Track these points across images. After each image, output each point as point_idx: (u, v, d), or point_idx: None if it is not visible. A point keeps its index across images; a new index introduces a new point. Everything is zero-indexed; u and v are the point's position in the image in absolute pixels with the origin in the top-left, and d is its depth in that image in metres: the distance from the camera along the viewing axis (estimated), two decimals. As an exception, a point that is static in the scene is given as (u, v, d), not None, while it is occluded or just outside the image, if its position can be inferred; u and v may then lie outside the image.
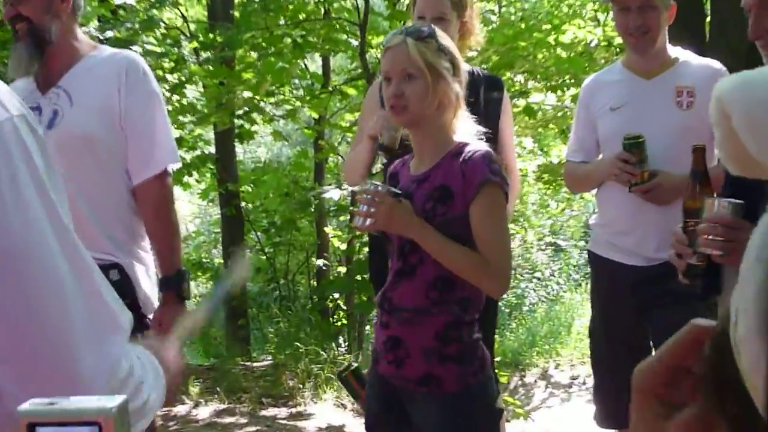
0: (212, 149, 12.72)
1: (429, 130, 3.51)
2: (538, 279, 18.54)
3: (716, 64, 4.68)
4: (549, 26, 10.37)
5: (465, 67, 4.32)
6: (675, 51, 4.72)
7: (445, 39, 3.53)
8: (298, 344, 9.67)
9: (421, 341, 3.44)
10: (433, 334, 3.42)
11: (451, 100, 3.48)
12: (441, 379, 3.42)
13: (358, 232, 11.03)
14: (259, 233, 13.46)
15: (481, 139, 3.56)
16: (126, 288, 3.92)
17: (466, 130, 3.55)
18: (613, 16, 4.75)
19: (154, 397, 1.73)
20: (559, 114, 11.32)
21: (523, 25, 10.31)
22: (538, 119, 11.31)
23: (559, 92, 10.63)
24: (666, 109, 4.54)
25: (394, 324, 3.50)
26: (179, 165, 4.51)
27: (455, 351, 3.43)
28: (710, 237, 2.99)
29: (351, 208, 11.29)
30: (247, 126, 10.29)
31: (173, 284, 4.09)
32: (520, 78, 10.51)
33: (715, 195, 3.22)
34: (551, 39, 10.28)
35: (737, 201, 2.96)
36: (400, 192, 3.47)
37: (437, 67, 3.43)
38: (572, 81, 10.18)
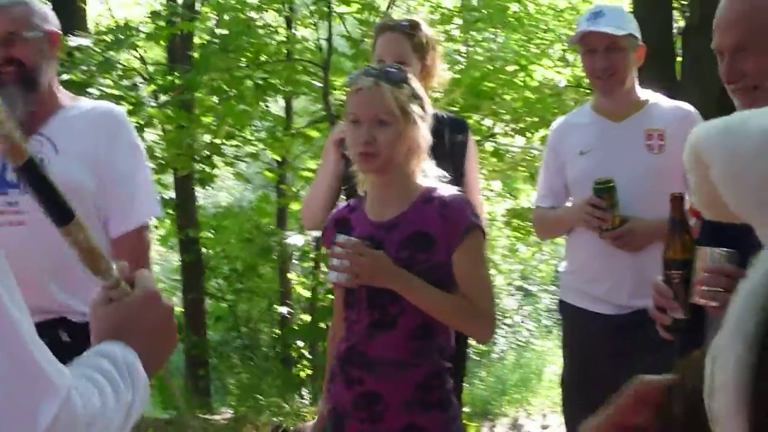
0: (172, 194, 12.53)
1: (395, 176, 3.43)
2: (508, 325, 18.42)
3: (687, 107, 4.62)
4: (516, 67, 10.24)
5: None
6: (645, 93, 4.66)
7: (416, 83, 3.48)
8: (260, 396, 9.45)
9: (402, 394, 3.35)
10: (414, 386, 3.35)
11: (420, 146, 3.41)
12: (425, 429, 3.36)
13: (322, 279, 10.87)
14: (220, 280, 13.25)
15: (445, 182, 3.50)
16: None
17: (429, 174, 3.49)
18: (580, 57, 4.70)
19: (134, 404, 1.68)
20: (528, 157, 11.18)
21: (490, 66, 10.17)
22: (506, 162, 11.18)
23: (527, 134, 10.49)
24: (636, 153, 4.47)
25: (368, 379, 3.38)
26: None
27: (438, 398, 3.37)
28: (709, 288, 2.85)
29: (315, 254, 11.10)
30: (207, 170, 10.10)
31: None
32: (487, 121, 10.36)
33: (695, 246, 3.07)
34: (519, 80, 10.16)
35: (732, 250, 2.85)
36: (370, 242, 3.37)
37: (410, 114, 3.37)
38: (541, 123, 10.06)
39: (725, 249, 2.85)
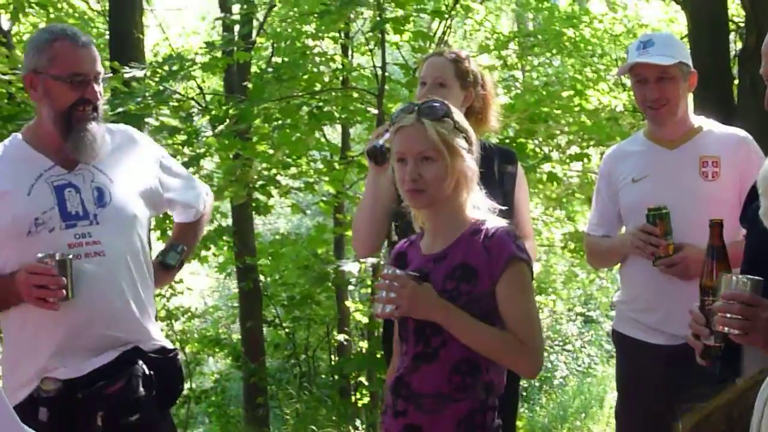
0: (230, 222, 12.57)
1: (445, 209, 3.44)
2: (569, 351, 18.25)
3: (742, 133, 4.56)
4: (572, 92, 10.17)
5: (481, 141, 4.26)
6: (698, 120, 4.63)
7: (458, 115, 3.47)
8: (314, 428, 9.42)
9: (442, 429, 3.32)
10: (456, 422, 3.31)
11: (468, 178, 3.41)
12: None
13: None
14: (278, 308, 13.25)
15: (496, 213, 3.49)
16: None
17: (480, 206, 3.48)
18: (632, 87, 4.65)
19: None
20: (586, 181, 11.09)
21: (545, 92, 10.12)
22: (562, 187, 11.09)
23: (584, 159, 10.41)
24: (690, 180, 4.42)
25: (412, 412, 3.36)
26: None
27: None
28: (728, 315, 2.83)
29: (372, 281, 11.07)
30: (263, 199, 10.11)
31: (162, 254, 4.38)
32: (544, 149, 10.29)
33: (732, 271, 3.06)
34: (575, 104, 10.10)
35: (755, 277, 2.83)
36: (418, 274, 3.37)
37: (455, 147, 3.36)
38: (597, 147, 9.99)
39: (748, 276, 2.83)
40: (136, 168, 4.06)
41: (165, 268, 4.29)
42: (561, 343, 18.39)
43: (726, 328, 2.83)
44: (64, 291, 3.61)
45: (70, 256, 3.64)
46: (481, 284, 3.31)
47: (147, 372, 3.86)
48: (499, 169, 4.60)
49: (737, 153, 4.38)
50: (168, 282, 4.46)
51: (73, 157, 3.87)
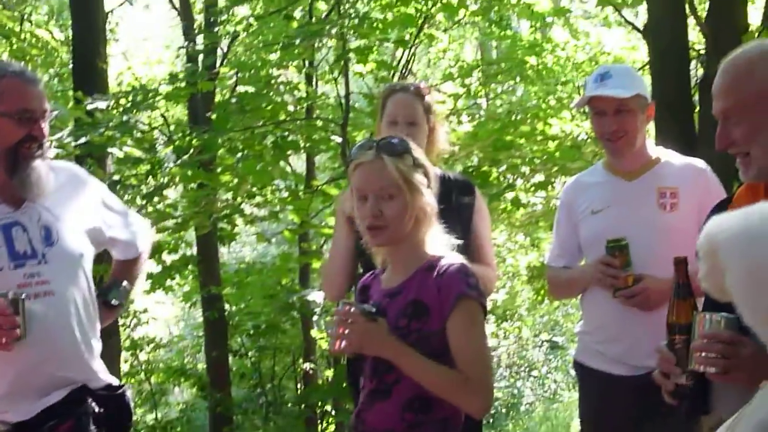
0: (194, 251, 12.53)
1: (404, 245, 3.44)
2: (535, 377, 18.28)
3: (699, 163, 4.58)
4: (534, 120, 10.23)
5: (436, 173, 4.28)
6: (656, 151, 4.66)
7: (417, 151, 3.47)
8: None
9: None
10: None
11: (427, 214, 3.42)
12: None
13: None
14: (243, 337, 13.20)
15: (455, 249, 3.49)
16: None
17: (439, 242, 3.48)
18: (590, 119, 4.68)
19: None
20: (549, 209, 11.13)
21: (508, 120, 10.17)
22: (527, 214, 11.13)
23: (549, 187, 10.45)
24: (649, 211, 4.44)
25: None
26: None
27: None
28: (706, 354, 2.81)
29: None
30: (227, 228, 10.10)
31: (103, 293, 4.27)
32: (508, 176, 10.34)
33: (698, 310, 3.04)
34: (538, 132, 10.15)
35: (732, 315, 2.77)
36: (374, 310, 3.35)
37: (415, 183, 3.37)
38: (561, 173, 10.02)
39: (725, 314, 2.81)
40: (80, 206, 4.04)
41: (108, 307, 4.26)
42: (527, 370, 18.42)
43: (704, 367, 2.82)
44: (17, 331, 3.58)
45: (23, 296, 3.60)
46: (432, 322, 3.30)
47: (97, 410, 3.84)
48: (457, 201, 4.61)
49: (695, 184, 4.42)
50: (111, 320, 4.36)
51: (19, 195, 3.84)
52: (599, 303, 4.50)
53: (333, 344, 3.35)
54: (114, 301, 4.27)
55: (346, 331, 3.29)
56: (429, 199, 3.42)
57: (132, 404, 4.10)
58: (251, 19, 10.85)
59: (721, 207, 3.26)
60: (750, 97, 2.93)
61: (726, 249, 0.90)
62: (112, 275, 4.41)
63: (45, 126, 3.86)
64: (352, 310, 3.32)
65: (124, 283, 4.34)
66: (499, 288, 15.51)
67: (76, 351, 3.81)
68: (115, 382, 4.02)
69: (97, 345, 4.01)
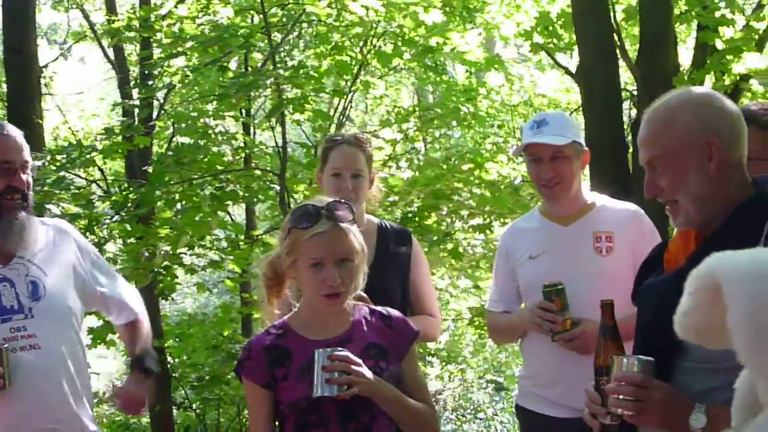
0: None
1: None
2: (481, 419, 18.23)
3: (632, 207, 4.67)
4: (472, 165, 10.29)
5: (374, 221, 4.34)
6: (591, 196, 4.74)
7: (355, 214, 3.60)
8: None
9: None
10: None
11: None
12: None
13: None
14: (187, 389, 13.08)
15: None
16: None
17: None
18: (526, 165, 4.74)
19: None
20: (489, 253, 11.19)
21: (444, 166, 10.24)
22: (467, 259, 11.16)
23: (487, 231, 10.50)
24: (585, 256, 4.51)
25: None
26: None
27: None
28: (620, 397, 2.89)
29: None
30: (168, 280, 10.03)
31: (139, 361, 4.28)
32: (447, 221, 10.38)
33: (624, 353, 3.15)
34: (475, 177, 10.21)
35: (646, 358, 2.91)
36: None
37: (364, 247, 3.50)
38: (499, 218, 10.08)
39: (639, 357, 2.91)
40: (69, 261, 4.09)
41: (147, 375, 4.23)
42: (473, 412, 18.37)
43: (619, 410, 2.89)
44: (1, 380, 3.63)
45: (5, 346, 3.68)
46: (391, 362, 3.49)
47: None
48: (394, 251, 4.70)
49: (630, 227, 4.48)
50: (150, 387, 4.33)
51: (6, 250, 3.90)
52: (538, 347, 4.55)
53: (335, 390, 3.31)
54: (153, 368, 4.26)
55: (350, 376, 3.32)
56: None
57: None
58: (187, 70, 10.83)
59: (657, 252, 3.32)
60: (672, 146, 3.00)
61: (732, 287, 0.92)
62: (130, 345, 4.40)
63: (27, 178, 3.91)
64: (345, 353, 3.35)
65: (148, 347, 4.35)
66: (442, 331, 15.54)
67: (63, 403, 3.87)
68: None
69: (88, 395, 4.07)
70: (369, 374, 3.36)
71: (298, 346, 3.49)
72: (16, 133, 3.95)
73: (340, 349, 3.37)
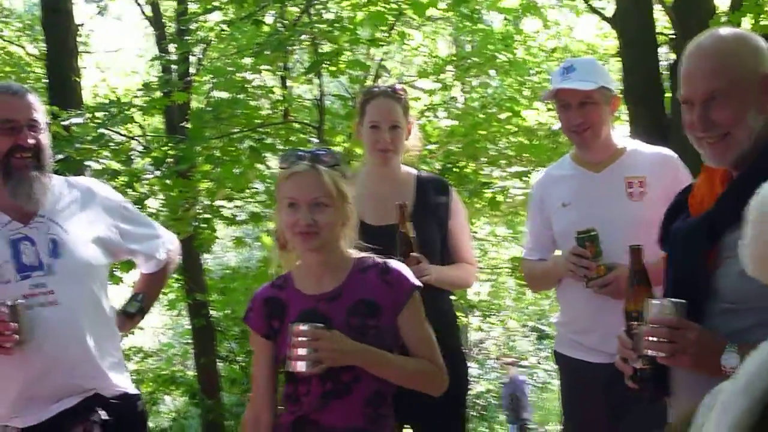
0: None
1: (332, 252, 3.54)
2: (525, 367, 18.31)
3: (667, 152, 4.63)
4: (509, 114, 10.25)
5: (412, 172, 4.53)
6: (623, 141, 4.71)
7: (344, 164, 3.66)
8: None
9: None
10: None
11: (350, 221, 3.56)
12: None
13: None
14: (232, 343, 13.21)
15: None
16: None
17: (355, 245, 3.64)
18: (556, 111, 4.72)
19: None
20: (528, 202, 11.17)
21: (482, 115, 10.20)
22: (507, 205, 11.16)
23: (524, 178, 10.48)
24: (617, 202, 4.49)
25: None
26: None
27: None
28: (654, 339, 2.91)
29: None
30: (208, 233, 10.08)
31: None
32: (486, 170, 10.36)
33: (655, 296, 3.14)
34: (512, 125, 10.18)
35: (679, 300, 2.92)
36: (322, 324, 3.38)
37: (344, 193, 3.50)
38: (538, 165, 10.05)
39: (674, 300, 2.92)
40: (93, 218, 4.11)
41: (126, 316, 4.33)
42: (517, 360, 18.43)
43: (653, 352, 2.91)
44: (16, 336, 3.66)
45: (21, 302, 3.71)
46: (385, 317, 3.47)
47: (106, 418, 3.90)
48: (433, 200, 4.74)
49: (663, 172, 4.45)
50: (129, 329, 4.48)
51: (27, 210, 3.92)
52: (573, 294, 4.55)
53: (304, 366, 3.34)
54: (131, 310, 4.35)
55: (313, 351, 3.32)
56: (352, 206, 3.56)
57: (146, 413, 4.26)
58: (223, 25, 10.84)
59: (682, 196, 3.32)
60: (737, 78, 2.99)
61: None
62: (135, 287, 4.54)
63: (39, 136, 3.91)
64: (307, 328, 3.35)
65: (142, 294, 4.42)
66: (483, 281, 15.55)
67: (85, 358, 3.88)
68: (131, 390, 4.11)
69: (115, 353, 4.10)
70: (339, 344, 3.35)
71: (293, 300, 3.54)
72: (24, 93, 3.97)
73: (304, 325, 3.35)
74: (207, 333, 12.52)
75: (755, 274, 1.20)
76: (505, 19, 12.63)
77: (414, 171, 4.86)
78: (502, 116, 10.24)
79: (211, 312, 12.69)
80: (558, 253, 4.73)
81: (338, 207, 3.46)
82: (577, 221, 4.42)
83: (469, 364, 5.12)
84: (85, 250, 4.00)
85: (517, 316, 18.32)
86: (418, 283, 3.58)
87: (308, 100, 10.85)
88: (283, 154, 3.64)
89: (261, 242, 10.93)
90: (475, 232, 12.91)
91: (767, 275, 1.09)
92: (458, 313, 12.06)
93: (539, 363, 18.90)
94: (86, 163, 8.88)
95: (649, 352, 2.93)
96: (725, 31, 3.19)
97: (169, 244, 4.49)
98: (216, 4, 10.29)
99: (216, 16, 11.35)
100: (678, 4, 8.36)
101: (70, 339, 3.86)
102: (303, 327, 3.34)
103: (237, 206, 10.43)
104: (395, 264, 3.58)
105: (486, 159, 10.04)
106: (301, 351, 3.33)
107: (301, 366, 3.34)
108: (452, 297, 5.00)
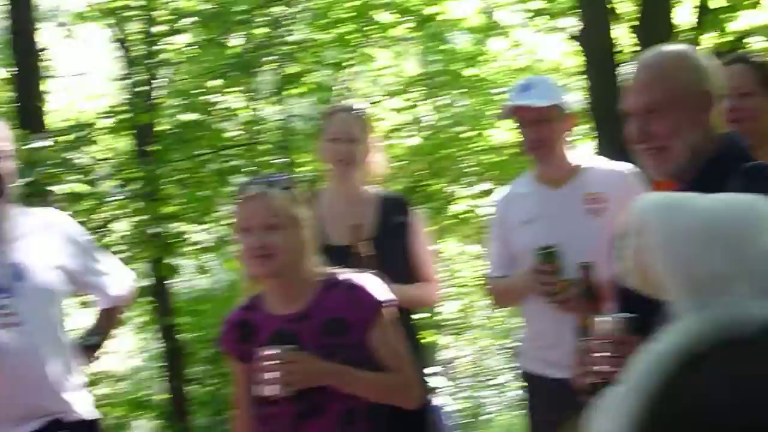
0: (147, 282, 12.49)
1: (293, 274, 3.51)
2: (497, 385, 18.28)
3: (625, 167, 4.63)
4: (475, 132, 10.30)
5: (373, 191, 4.69)
6: (582, 158, 4.75)
7: (299, 188, 3.67)
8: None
9: None
10: None
11: (308, 245, 3.55)
12: None
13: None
14: (202, 365, 13.15)
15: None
16: None
17: (318, 264, 3.64)
18: (515, 129, 4.76)
19: None
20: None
21: (446, 134, 10.24)
22: (476, 224, 11.18)
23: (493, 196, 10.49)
24: (577, 218, 4.52)
25: None
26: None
27: None
28: (599, 354, 2.96)
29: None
30: (169, 265, 10.05)
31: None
32: (451, 187, 10.40)
33: (603, 312, 3.20)
34: (476, 144, 10.22)
35: (625, 315, 2.94)
36: (293, 346, 3.40)
37: (299, 215, 3.50)
38: (505, 182, 10.06)
39: (619, 315, 2.95)
40: (54, 247, 4.11)
41: (82, 349, 4.33)
42: (488, 378, 18.42)
43: (599, 367, 2.94)
44: None
45: None
46: (355, 334, 3.48)
47: None
48: (393, 220, 4.77)
49: (621, 188, 4.47)
50: (86, 362, 4.41)
51: None
52: (536, 310, 4.57)
53: (275, 390, 3.35)
54: (85, 343, 4.38)
55: (283, 374, 3.33)
56: (309, 229, 3.55)
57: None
58: (189, 48, 10.85)
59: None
60: (676, 91, 3.04)
61: (647, 216, 0.97)
62: (91, 322, 4.56)
63: (1, 164, 3.93)
64: (276, 352, 3.36)
65: (98, 328, 4.48)
66: (451, 299, 15.56)
67: (47, 382, 3.89)
68: (91, 416, 4.13)
69: (76, 378, 4.11)
70: (309, 365, 3.37)
71: (263, 321, 3.55)
72: None
73: (273, 349, 3.37)
74: (177, 356, 12.48)
75: (637, 287, 1.23)
76: (471, 38, 12.68)
77: (375, 190, 4.88)
78: (468, 134, 10.26)
79: (182, 335, 12.65)
80: (520, 269, 4.74)
81: (292, 229, 3.46)
82: (538, 238, 4.42)
83: (439, 383, 5.13)
84: (47, 275, 4.01)
85: (488, 334, 18.31)
86: (386, 297, 3.57)
87: (274, 121, 10.84)
88: (240, 181, 3.66)
89: (228, 266, 10.92)
90: (444, 251, 12.93)
91: (648, 287, 1.13)
92: (429, 332, 12.09)
93: (510, 381, 18.90)
94: (49, 188, 8.86)
95: (596, 368, 2.95)
96: (669, 47, 3.28)
97: (123, 281, 4.52)
98: (181, 25, 10.30)
99: (183, 38, 11.34)
100: (641, 23, 8.44)
101: (32, 361, 3.87)
102: (271, 351, 3.36)
103: (205, 230, 10.41)
104: (363, 280, 3.57)
105: (452, 177, 10.06)
106: (271, 374, 3.34)
107: (271, 390, 3.36)
108: (414, 316, 5.00)
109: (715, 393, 0.80)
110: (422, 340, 5.26)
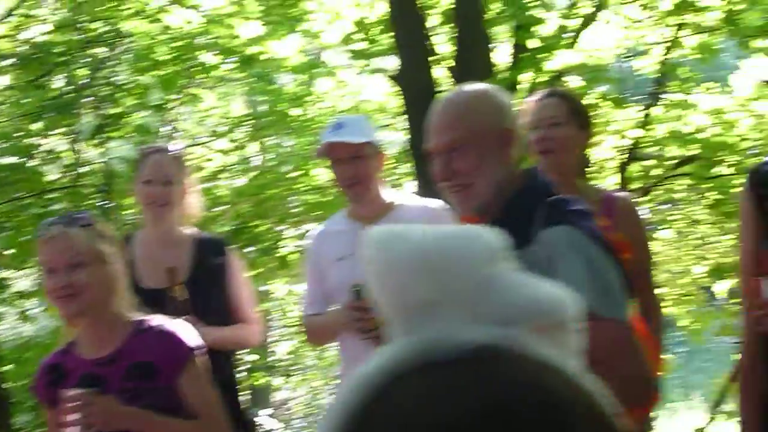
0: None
1: (102, 314, 3.51)
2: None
3: (434, 203, 4.74)
4: (300, 172, 10.35)
5: (190, 233, 4.41)
6: (393, 195, 4.84)
7: (102, 224, 3.68)
8: None
9: None
10: None
11: (118, 282, 3.54)
12: None
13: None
14: (26, 414, 12.80)
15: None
16: None
17: (131, 305, 3.66)
18: (331, 168, 4.83)
19: None
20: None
21: (272, 174, 10.27)
22: (300, 266, 11.21)
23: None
24: None
25: None
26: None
27: None
28: None
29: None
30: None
31: None
32: (276, 227, 10.41)
33: None
34: (302, 183, 10.27)
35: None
36: (94, 389, 3.39)
37: (103, 253, 3.49)
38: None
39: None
40: None
41: None
42: (321, 418, 18.39)
43: None
44: None
45: None
46: (163, 380, 3.47)
47: None
48: (210, 262, 4.79)
49: (433, 224, 4.58)
50: None
51: None
52: (352, 347, 4.60)
53: (82, 429, 3.36)
54: None
55: (83, 416, 3.33)
56: (119, 267, 3.56)
57: None
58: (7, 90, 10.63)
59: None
60: (476, 129, 3.13)
61: (372, 248, 1.02)
62: None
63: None
64: (76, 393, 3.35)
65: None
66: (284, 339, 15.54)
67: None
68: None
69: None
70: (108, 407, 3.37)
71: (74, 365, 3.56)
72: None
73: (74, 390, 3.37)
74: (3, 405, 12.11)
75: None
76: (296, 79, 12.76)
77: (192, 232, 4.88)
78: (294, 174, 10.31)
79: (7, 383, 12.29)
80: (335, 307, 4.79)
81: (97, 265, 3.45)
82: (352, 275, 4.43)
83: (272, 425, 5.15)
84: None
85: (320, 373, 18.31)
86: (197, 344, 3.57)
87: (96, 163, 10.69)
88: (41, 224, 3.61)
89: (51, 312, 10.70)
90: (273, 292, 12.93)
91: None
92: (260, 374, 12.05)
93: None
94: None
95: None
96: (469, 86, 3.38)
97: None
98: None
99: (1, 81, 11.12)
100: (458, 63, 8.62)
101: None
102: (72, 392, 3.35)
103: (25, 275, 10.18)
104: (175, 325, 3.60)
105: (278, 217, 10.08)
106: (72, 416, 3.33)
107: (74, 431, 3.34)
108: (237, 358, 5.01)
109: (405, 412, 0.84)
110: (255, 383, 5.27)
